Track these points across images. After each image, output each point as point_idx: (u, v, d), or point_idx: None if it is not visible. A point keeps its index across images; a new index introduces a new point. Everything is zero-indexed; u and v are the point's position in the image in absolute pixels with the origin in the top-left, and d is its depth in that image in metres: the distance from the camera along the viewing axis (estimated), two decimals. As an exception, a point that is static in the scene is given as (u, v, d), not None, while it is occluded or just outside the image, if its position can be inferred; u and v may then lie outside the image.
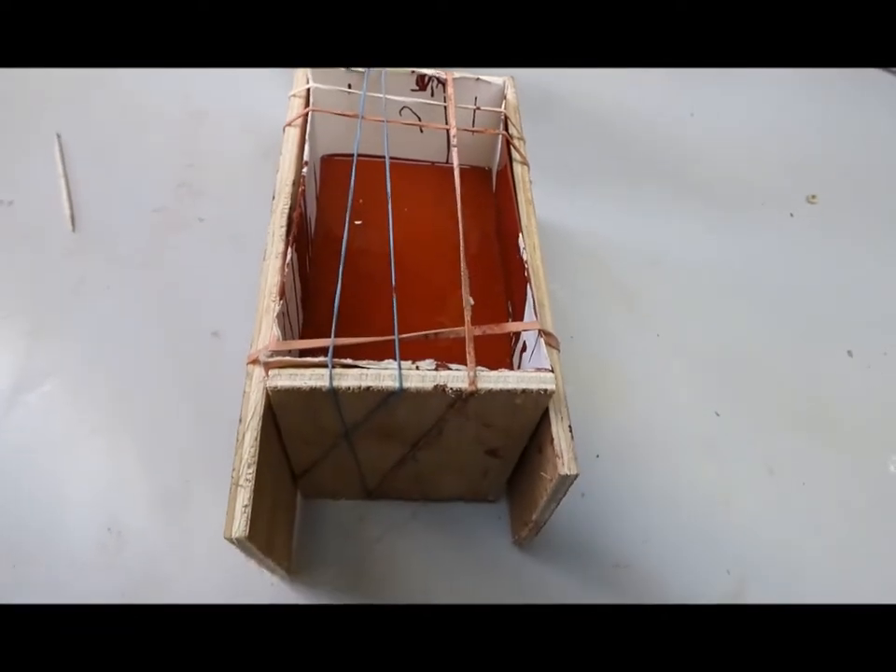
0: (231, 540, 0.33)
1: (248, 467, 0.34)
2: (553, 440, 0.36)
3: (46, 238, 0.61)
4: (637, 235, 0.71)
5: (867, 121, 0.88)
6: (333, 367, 0.35)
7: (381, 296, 0.46)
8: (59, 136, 0.68)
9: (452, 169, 0.44)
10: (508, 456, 0.44)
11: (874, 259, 0.73)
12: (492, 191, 0.58)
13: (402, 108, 0.53)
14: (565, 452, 0.36)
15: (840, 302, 0.69)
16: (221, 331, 0.57)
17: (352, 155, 0.52)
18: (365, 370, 0.35)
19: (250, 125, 0.73)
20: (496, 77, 0.52)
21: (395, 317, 0.38)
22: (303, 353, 0.39)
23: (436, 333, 0.37)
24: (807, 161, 0.82)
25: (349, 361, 0.35)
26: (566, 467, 0.35)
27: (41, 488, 0.48)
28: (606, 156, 0.78)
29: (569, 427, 0.37)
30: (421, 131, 0.54)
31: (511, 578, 0.48)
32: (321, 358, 0.35)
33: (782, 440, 0.58)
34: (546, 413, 0.38)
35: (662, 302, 0.66)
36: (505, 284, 0.52)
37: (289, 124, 0.47)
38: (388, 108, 0.51)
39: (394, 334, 0.37)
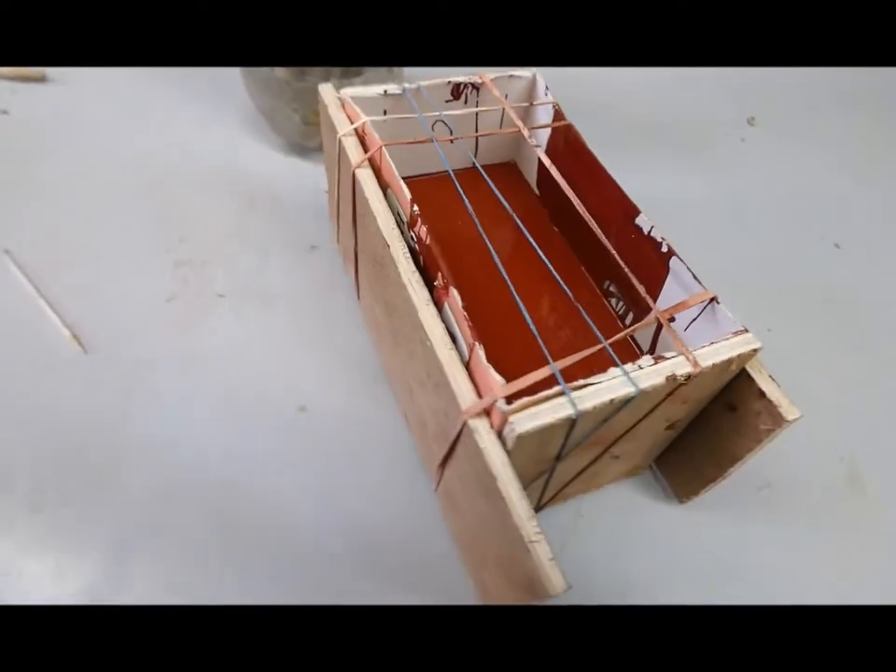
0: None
1: (530, 520, 0.32)
2: (762, 392, 0.38)
3: (59, 370, 0.52)
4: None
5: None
6: (570, 391, 0.34)
7: (502, 314, 0.45)
8: (8, 252, 0.58)
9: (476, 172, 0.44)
10: (681, 427, 0.45)
11: (831, 162, 0.83)
12: (526, 183, 0.58)
13: (435, 123, 0.51)
14: (782, 399, 0.38)
15: (820, 204, 0.77)
16: (308, 405, 0.52)
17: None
18: (597, 384, 0.35)
19: (222, 178, 0.67)
20: (524, 71, 0.52)
21: (591, 323, 0.37)
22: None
23: (633, 329, 0.37)
24: (733, 89, 0.90)
25: (581, 381, 0.34)
26: (789, 413, 0.37)
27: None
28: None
29: (770, 376, 0.39)
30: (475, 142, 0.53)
31: (694, 534, 0.50)
32: (556, 388, 0.34)
33: (829, 338, 0.64)
34: (741, 371, 0.39)
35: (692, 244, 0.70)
36: (589, 272, 0.53)
37: (359, 166, 0.44)
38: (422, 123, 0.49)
39: (597, 341, 0.37)
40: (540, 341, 0.36)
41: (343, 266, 0.61)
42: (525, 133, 0.46)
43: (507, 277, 0.39)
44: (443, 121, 0.51)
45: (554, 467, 0.40)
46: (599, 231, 0.43)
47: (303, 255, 0.62)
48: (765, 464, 0.52)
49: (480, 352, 0.35)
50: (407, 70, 0.74)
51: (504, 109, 0.48)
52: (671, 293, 0.44)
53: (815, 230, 0.75)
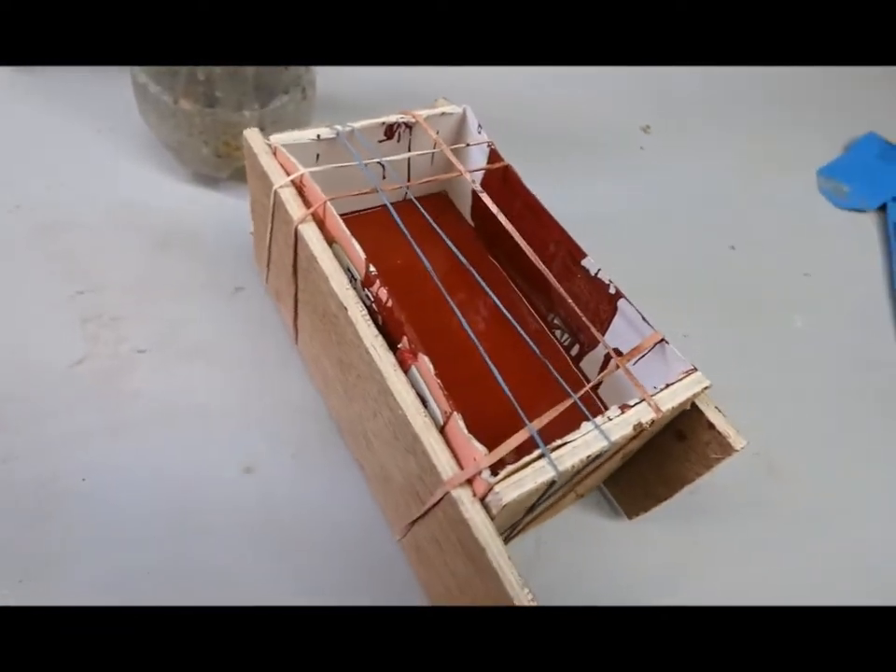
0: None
1: (523, 588, 0.33)
2: (711, 424, 0.41)
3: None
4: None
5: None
6: (550, 452, 0.34)
7: (462, 367, 0.45)
8: None
9: (409, 204, 0.44)
10: (631, 454, 0.47)
11: (720, 165, 0.89)
12: (461, 215, 0.58)
13: (366, 164, 0.49)
14: (729, 430, 0.41)
15: (714, 205, 0.84)
16: (254, 465, 0.50)
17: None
18: (573, 442, 0.35)
19: (125, 218, 0.60)
20: (455, 108, 0.51)
21: (560, 381, 0.38)
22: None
23: (601, 378, 0.38)
24: (629, 99, 0.95)
25: (559, 441, 0.35)
26: (736, 441, 0.41)
27: None
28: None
29: (717, 407, 0.42)
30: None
31: (648, 543, 0.53)
32: (535, 452, 0.34)
33: (736, 335, 0.70)
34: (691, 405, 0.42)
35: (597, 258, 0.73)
36: (533, 306, 0.53)
37: (302, 221, 0.42)
38: (359, 167, 0.47)
39: (572, 394, 0.38)
40: (516, 403, 0.36)
41: (276, 307, 0.58)
42: (468, 176, 0.45)
43: (472, 334, 0.39)
44: (380, 163, 0.49)
45: (526, 516, 0.41)
46: (544, 267, 0.43)
47: (228, 298, 0.58)
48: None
49: (459, 422, 0.35)
50: (320, 90, 0.71)
51: (437, 147, 0.47)
52: (618, 330, 0.45)
53: (712, 233, 0.81)
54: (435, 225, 0.43)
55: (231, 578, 0.44)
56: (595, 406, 0.49)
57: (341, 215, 0.40)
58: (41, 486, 0.45)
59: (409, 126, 0.49)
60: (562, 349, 0.52)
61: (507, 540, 0.48)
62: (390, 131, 0.48)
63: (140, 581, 0.43)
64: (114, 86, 0.67)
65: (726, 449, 0.41)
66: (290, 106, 0.58)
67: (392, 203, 0.56)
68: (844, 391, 0.68)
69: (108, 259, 0.58)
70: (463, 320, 0.39)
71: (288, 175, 0.43)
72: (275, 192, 0.43)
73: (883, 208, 0.90)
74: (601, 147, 0.87)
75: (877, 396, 0.68)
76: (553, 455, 0.35)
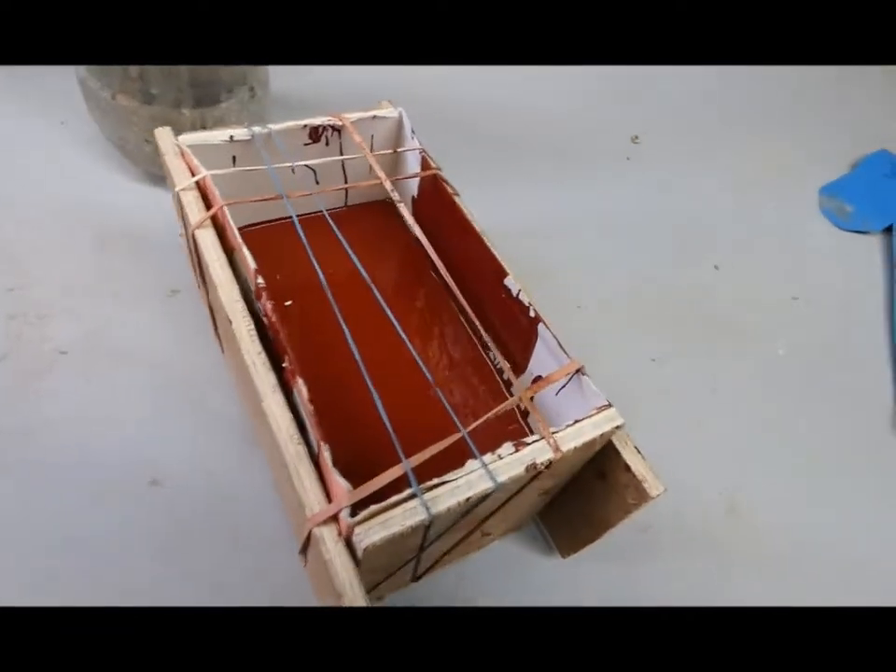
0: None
1: (379, 641, 0.30)
2: (628, 466, 0.37)
3: None
4: (509, 217, 0.73)
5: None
6: (423, 493, 0.31)
7: (355, 392, 0.42)
8: None
9: (352, 211, 0.41)
10: (555, 491, 0.44)
11: (707, 180, 0.85)
12: (405, 225, 0.55)
13: (293, 168, 0.47)
14: (647, 474, 0.37)
15: (698, 221, 0.79)
16: (161, 478, 0.48)
17: (246, 227, 0.46)
18: (454, 481, 0.32)
19: (67, 214, 0.59)
20: (390, 111, 0.48)
21: (450, 410, 0.35)
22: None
23: (495, 413, 0.35)
24: (619, 108, 0.90)
25: (436, 480, 0.32)
26: (653, 488, 0.37)
27: None
28: (466, 147, 0.78)
29: (635, 447, 0.38)
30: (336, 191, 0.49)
31: (589, 583, 0.49)
32: (407, 491, 0.31)
33: (709, 362, 0.66)
34: (608, 443, 0.38)
35: (566, 271, 0.69)
36: (469, 324, 0.50)
37: (199, 226, 0.39)
38: (284, 170, 0.44)
39: (432, 437, 0.34)
40: (393, 435, 0.33)
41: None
42: (388, 185, 0.42)
43: (360, 360, 0.36)
44: (309, 166, 0.47)
45: (419, 554, 0.38)
46: (454, 290, 0.40)
47: (162, 301, 0.56)
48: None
49: (326, 454, 0.32)
50: (281, 89, 0.69)
51: (361, 153, 0.44)
52: (541, 356, 0.42)
53: (696, 251, 0.77)
54: (337, 239, 0.40)
55: (134, 585, 0.42)
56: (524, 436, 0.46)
57: (273, 221, 0.38)
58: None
59: (336, 129, 0.46)
60: (495, 372, 0.49)
61: (418, 577, 0.45)
62: (315, 133, 0.46)
63: (45, 584, 0.41)
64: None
65: (642, 495, 0.37)
66: (235, 106, 0.56)
67: (332, 210, 0.53)
68: (821, 430, 0.63)
69: (45, 256, 0.56)
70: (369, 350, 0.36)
71: (194, 177, 0.41)
72: (177, 195, 0.40)
73: (889, 230, 0.84)
74: (585, 155, 0.83)
75: (858, 435, 0.63)
76: (428, 495, 0.31)
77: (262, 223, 0.50)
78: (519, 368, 0.45)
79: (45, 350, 0.51)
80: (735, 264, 0.76)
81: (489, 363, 0.49)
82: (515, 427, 0.47)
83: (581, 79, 0.94)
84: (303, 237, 0.39)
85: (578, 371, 0.38)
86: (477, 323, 0.40)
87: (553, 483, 0.41)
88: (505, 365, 0.40)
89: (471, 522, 0.38)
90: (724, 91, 1.02)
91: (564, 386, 0.40)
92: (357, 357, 0.35)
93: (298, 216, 0.50)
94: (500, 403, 0.45)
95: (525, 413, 0.47)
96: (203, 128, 0.55)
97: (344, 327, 0.36)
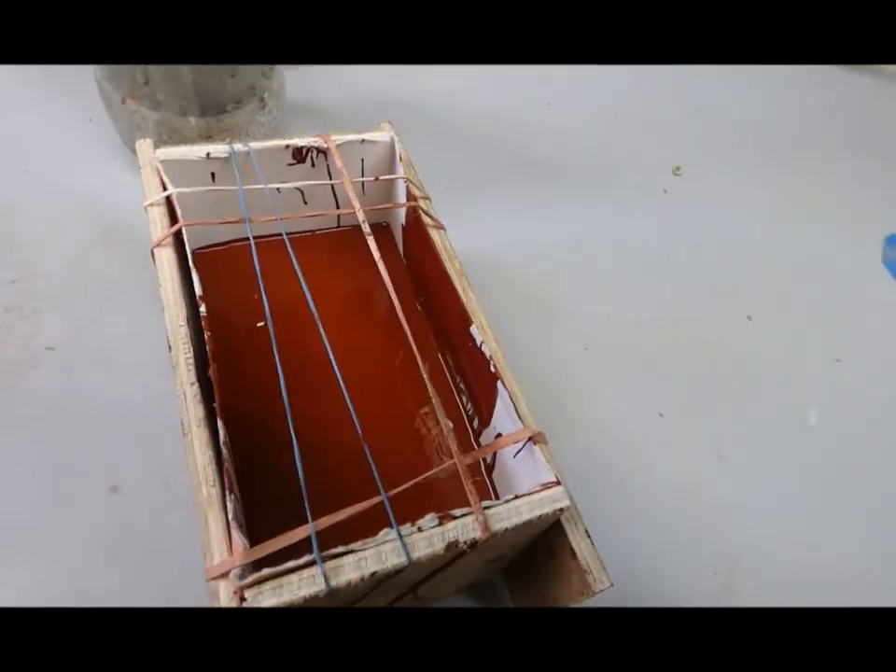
0: None
1: (255, 718, 0.27)
2: (574, 553, 0.34)
3: None
4: (530, 239, 0.70)
5: (702, 92, 0.93)
6: (324, 561, 0.29)
7: (322, 430, 0.40)
8: None
9: (345, 233, 0.39)
10: (507, 559, 0.40)
11: (749, 220, 0.78)
12: (397, 249, 0.52)
13: (277, 188, 0.45)
14: (592, 565, 0.33)
15: (734, 265, 0.73)
16: (120, 484, 0.47)
17: (226, 243, 0.45)
18: (362, 552, 0.30)
19: (72, 207, 0.60)
20: (381, 134, 0.46)
21: (374, 469, 0.32)
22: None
23: (426, 477, 0.32)
24: (663, 137, 0.85)
25: (340, 549, 0.29)
26: (598, 581, 0.33)
27: None
28: (480, 164, 0.75)
29: (586, 531, 0.34)
30: (306, 203, 0.47)
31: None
32: (306, 557, 0.29)
33: (722, 423, 0.60)
34: (557, 520, 0.35)
35: (580, 306, 0.65)
36: (446, 363, 0.47)
37: (159, 244, 0.38)
38: (263, 191, 0.43)
39: (370, 493, 0.32)
40: (304, 490, 0.31)
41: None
42: (360, 216, 0.40)
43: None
44: (299, 189, 0.45)
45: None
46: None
47: (154, 301, 0.56)
48: (641, 582, 0.49)
49: (229, 505, 0.30)
50: (304, 99, 0.68)
51: (339, 178, 0.42)
52: (501, 414, 0.39)
53: (729, 298, 0.70)
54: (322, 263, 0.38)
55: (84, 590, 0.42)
56: (486, 494, 0.43)
57: (268, 236, 0.37)
58: None
59: (322, 151, 0.44)
60: (466, 418, 0.46)
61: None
62: (300, 154, 0.44)
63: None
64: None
65: (585, 587, 0.33)
66: (243, 116, 0.56)
67: (323, 231, 0.52)
68: (848, 526, 0.56)
69: (48, 250, 0.58)
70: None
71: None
72: (146, 209, 0.40)
73: (961, 294, 0.74)
74: (618, 183, 0.78)
75: (891, 544, 0.56)
76: (331, 563, 0.29)
77: (239, 240, 0.49)
78: (484, 420, 0.42)
79: (32, 345, 0.52)
80: (771, 315, 0.69)
81: (461, 406, 0.46)
82: (478, 480, 0.44)
83: (624, 102, 0.89)
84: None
85: (530, 438, 0.35)
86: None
87: (498, 555, 0.38)
88: (476, 411, 0.37)
89: (400, 586, 0.35)
90: (779, 121, 0.94)
91: (519, 451, 0.37)
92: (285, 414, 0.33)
93: (288, 234, 0.48)
94: (468, 451, 0.42)
95: (491, 467, 0.43)
96: (209, 137, 0.55)
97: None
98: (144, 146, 0.42)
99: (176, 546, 0.44)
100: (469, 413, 0.46)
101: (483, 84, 0.84)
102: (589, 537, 0.34)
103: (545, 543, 0.37)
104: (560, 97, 0.86)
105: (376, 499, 0.31)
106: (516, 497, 0.32)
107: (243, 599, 0.29)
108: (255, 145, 0.42)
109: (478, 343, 0.38)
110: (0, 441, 0.47)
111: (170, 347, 0.35)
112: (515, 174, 0.76)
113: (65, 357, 0.52)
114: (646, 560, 0.50)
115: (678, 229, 0.76)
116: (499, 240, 0.68)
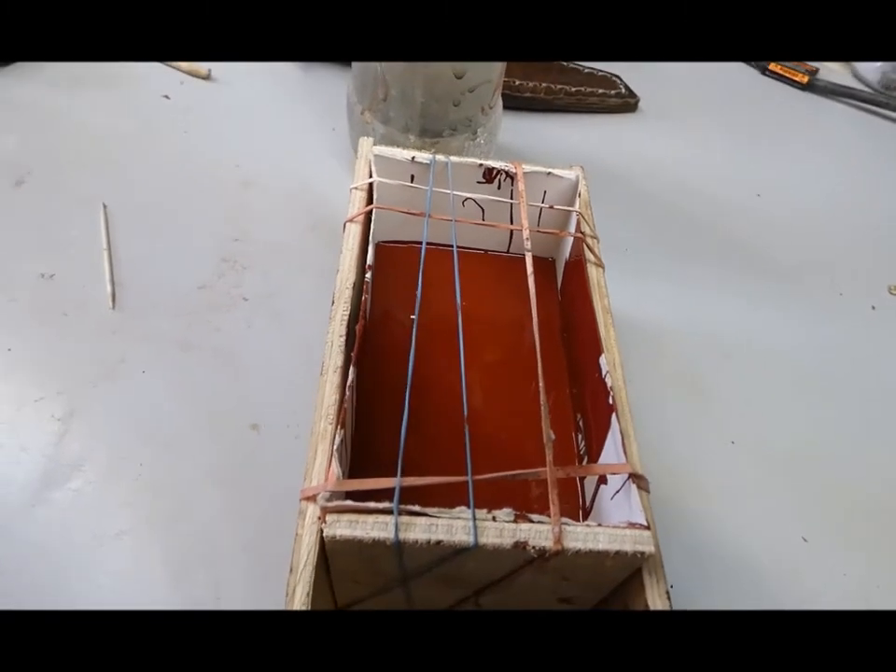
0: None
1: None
2: (648, 607, 0.31)
3: (84, 317, 0.58)
4: (701, 322, 0.67)
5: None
6: (399, 514, 0.31)
7: (442, 414, 0.43)
8: (105, 206, 0.67)
9: (513, 260, 0.41)
10: (582, 604, 0.39)
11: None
12: (556, 285, 0.54)
13: (465, 200, 0.50)
14: (663, 625, 0.31)
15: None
16: (261, 424, 0.53)
17: (408, 242, 0.50)
18: (435, 519, 0.31)
19: (297, 195, 0.71)
20: (567, 171, 0.49)
21: (468, 453, 0.34)
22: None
23: (514, 475, 0.33)
24: (888, 249, 0.77)
25: (416, 508, 0.31)
26: (664, 645, 0.30)
27: (62, 592, 0.44)
28: (666, 235, 0.75)
29: (667, 592, 0.32)
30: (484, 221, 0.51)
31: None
32: (385, 504, 0.31)
33: (878, 571, 0.52)
34: (638, 571, 0.33)
35: (735, 401, 0.61)
36: (572, 398, 0.47)
37: (351, 220, 0.44)
38: (453, 201, 0.48)
39: (466, 473, 0.33)
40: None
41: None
42: (525, 234, 0.43)
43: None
44: (473, 200, 0.50)
45: (405, 588, 0.36)
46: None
47: (326, 282, 0.64)
48: None
49: (337, 437, 0.33)
50: (510, 141, 0.74)
51: (517, 200, 0.45)
52: (610, 450, 0.38)
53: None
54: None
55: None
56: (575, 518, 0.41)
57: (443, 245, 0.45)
58: (114, 363, 0.55)
59: (510, 175, 0.48)
60: (577, 456, 0.45)
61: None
62: (489, 174, 0.49)
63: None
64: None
65: (649, 646, 0.31)
66: (454, 143, 0.62)
67: (494, 252, 0.56)
68: None
69: (268, 223, 0.69)
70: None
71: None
72: (350, 191, 0.46)
73: None
74: (818, 287, 0.72)
75: None
76: (405, 518, 0.31)
77: (417, 243, 0.54)
78: (592, 458, 0.41)
79: (234, 293, 0.62)
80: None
81: (574, 444, 0.46)
82: (568, 506, 0.43)
83: (857, 204, 0.83)
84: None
85: (631, 476, 0.34)
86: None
87: (575, 594, 0.37)
88: (587, 450, 0.37)
89: (463, 586, 0.35)
90: None
91: (617, 492, 0.36)
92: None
93: (459, 247, 0.53)
94: (568, 489, 0.42)
95: (588, 511, 0.42)
96: (420, 154, 0.61)
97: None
98: (365, 142, 0.49)
99: (288, 475, 0.48)
100: (581, 452, 0.45)
101: (678, 158, 0.84)
102: (669, 599, 0.32)
103: (621, 596, 0.35)
104: (772, 186, 0.83)
105: (462, 478, 0.32)
106: (599, 524, 0.31)
107: (323, 522, 0.31)
108: (454, 158, 0.48)
109: (603, 373, 0.38)
110: (178, 357, 0.56)
111: (333, 302, 0.40)
112: (703, 251, 0.74)
113: (253, 309, 0.61)
114: None
115: (873, 352, 0.68)
116: (663, 311, 0.67)
